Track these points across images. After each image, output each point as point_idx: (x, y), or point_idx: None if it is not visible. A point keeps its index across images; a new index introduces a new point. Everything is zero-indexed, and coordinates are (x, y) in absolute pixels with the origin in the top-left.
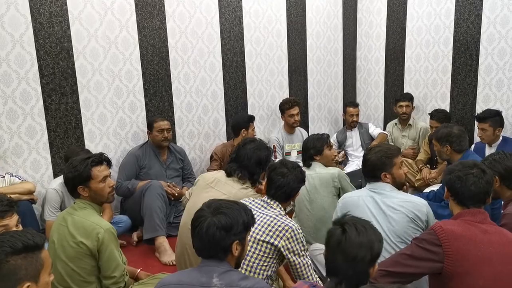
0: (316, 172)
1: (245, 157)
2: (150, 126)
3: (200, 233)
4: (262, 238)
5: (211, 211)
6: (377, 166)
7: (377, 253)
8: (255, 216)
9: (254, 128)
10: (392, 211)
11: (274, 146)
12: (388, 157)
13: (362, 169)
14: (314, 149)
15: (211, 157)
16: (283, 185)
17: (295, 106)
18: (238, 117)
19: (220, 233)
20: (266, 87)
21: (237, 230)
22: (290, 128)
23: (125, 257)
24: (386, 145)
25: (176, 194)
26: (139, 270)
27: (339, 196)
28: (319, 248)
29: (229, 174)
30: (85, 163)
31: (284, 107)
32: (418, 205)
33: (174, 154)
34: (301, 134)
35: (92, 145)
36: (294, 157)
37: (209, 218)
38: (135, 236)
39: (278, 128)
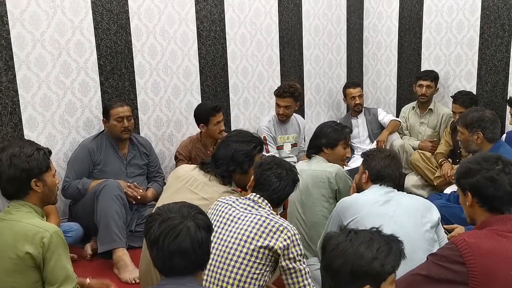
0: (312, 169)
1: (220, 148)
2: (106, 113)
3: (184, 244)
4: (253, 242)
5: (184, 214)
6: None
7: (365, 273)
8: (240, 217)
9: (221, 121)
10: (413, 214)
11: (264, 137)
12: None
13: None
14: (327, 139)
15: (175, 157)
16: (279, 189)
17: (286, 97)
18: (199, 107)
19: (206, 235)
20: (252, 64)
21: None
22: None
23: (76, 274)
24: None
25: (139, 197)
26: (88, 278)
27: (336, 200)
28: (315, 262)
29: (200, 168)
30: (42, 151)
31: (275, 92)
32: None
33: (137, 147)
34: (297, 122)
35: (34, 135)
36: (288, 151)
37: (190, 222)
38: (88, 249)
39: (269, 115)
